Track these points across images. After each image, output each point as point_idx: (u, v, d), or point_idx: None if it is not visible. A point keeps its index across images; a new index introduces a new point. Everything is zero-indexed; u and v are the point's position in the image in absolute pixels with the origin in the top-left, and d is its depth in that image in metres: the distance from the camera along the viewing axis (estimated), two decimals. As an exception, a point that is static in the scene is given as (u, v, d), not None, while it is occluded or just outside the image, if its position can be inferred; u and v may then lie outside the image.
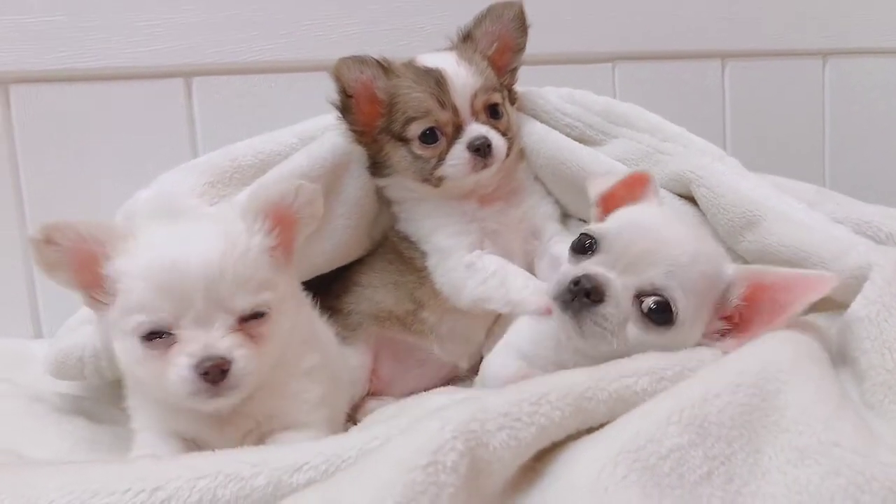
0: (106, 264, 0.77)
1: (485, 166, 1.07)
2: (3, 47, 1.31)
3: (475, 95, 1.08)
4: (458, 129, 1.08)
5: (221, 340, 0.76)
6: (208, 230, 0.81)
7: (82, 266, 0.78)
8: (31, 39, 1.32)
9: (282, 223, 0.85)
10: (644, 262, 0.76)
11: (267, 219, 0.83)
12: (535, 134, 1.17)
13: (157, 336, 0.76)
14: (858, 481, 0.59)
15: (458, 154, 1.07)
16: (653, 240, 0.77)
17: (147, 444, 0.82)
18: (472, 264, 1.08)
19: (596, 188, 0.92)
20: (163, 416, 0.82)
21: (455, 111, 1.07)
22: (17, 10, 1.31)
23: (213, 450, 0.69)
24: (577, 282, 0.76)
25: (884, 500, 0.58)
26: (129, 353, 0.78)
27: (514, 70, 1.18)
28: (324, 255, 1.14)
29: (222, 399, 0.77)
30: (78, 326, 1.04)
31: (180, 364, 0.75)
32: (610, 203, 0.90)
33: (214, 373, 0.75)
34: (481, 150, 1.06)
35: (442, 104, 1.07)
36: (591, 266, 0.78)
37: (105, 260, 0.78)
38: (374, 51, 1.41)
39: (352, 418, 1.10)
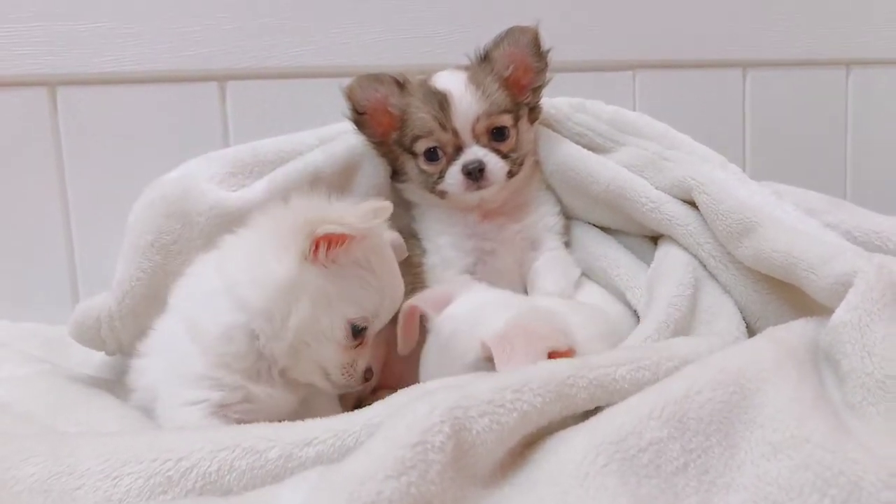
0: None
1: (479, 188, 1.13)
2: (53, 51, 1.39)
3: (477, 119, 1.12)
4: (459, 149, 1.14)
5: None
6: None
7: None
8: (78, 45, 1.39)
9: None
10: None
11: None
12: (546, 141, 1.22)
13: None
14: (826, 476, 0.62)
15: (454, 174, 1.13)
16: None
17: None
18: None
19: None
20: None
21: (455, 133, 1.13)
22: (66, 17, 1.39)
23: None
24: None
25: (849, 494, 0.60)
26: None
27: (539, 88, 1.21)
28: None
29: None
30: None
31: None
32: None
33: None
34: (473, 173, 1.12)
35: (443, 126, 1.12)
36: None
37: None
38: (396, 58, 1.47)
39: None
